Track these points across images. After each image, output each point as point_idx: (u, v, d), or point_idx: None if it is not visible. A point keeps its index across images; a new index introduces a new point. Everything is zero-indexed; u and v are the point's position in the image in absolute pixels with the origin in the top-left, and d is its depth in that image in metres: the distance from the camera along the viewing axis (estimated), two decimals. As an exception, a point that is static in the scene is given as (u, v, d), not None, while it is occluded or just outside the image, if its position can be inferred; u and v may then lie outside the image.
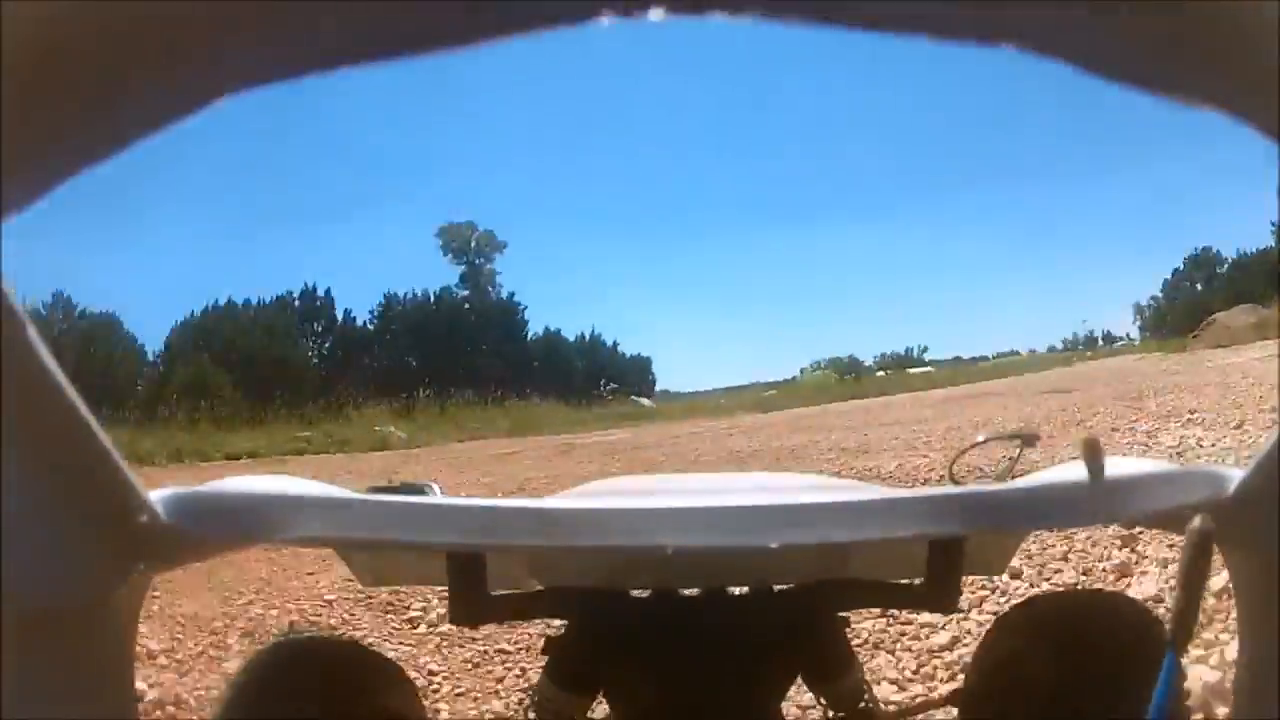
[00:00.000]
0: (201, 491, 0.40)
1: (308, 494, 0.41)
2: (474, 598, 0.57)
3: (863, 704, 0.77)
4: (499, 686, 2.35)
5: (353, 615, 2.86)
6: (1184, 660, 0.41)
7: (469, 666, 2.47)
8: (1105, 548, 2.60)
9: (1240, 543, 0.42)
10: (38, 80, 0.20)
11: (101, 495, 0.34)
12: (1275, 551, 0.39)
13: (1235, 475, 0.40)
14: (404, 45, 0.20)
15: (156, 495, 0.37)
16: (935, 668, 2.16)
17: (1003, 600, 2.33)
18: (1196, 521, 0.37)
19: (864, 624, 2.27)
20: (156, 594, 2.52)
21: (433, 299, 24.31)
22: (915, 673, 2.16)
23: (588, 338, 25.72)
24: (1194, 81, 0.24)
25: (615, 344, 26.03)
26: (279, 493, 0.41)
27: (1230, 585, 0.46)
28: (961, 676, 0.75)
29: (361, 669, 0.66)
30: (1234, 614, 0.50)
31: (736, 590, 0.69)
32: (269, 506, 0.40)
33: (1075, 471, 0.50)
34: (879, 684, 2.01)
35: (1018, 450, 0.87)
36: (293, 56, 0.21)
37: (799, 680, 0.74)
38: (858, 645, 1.94)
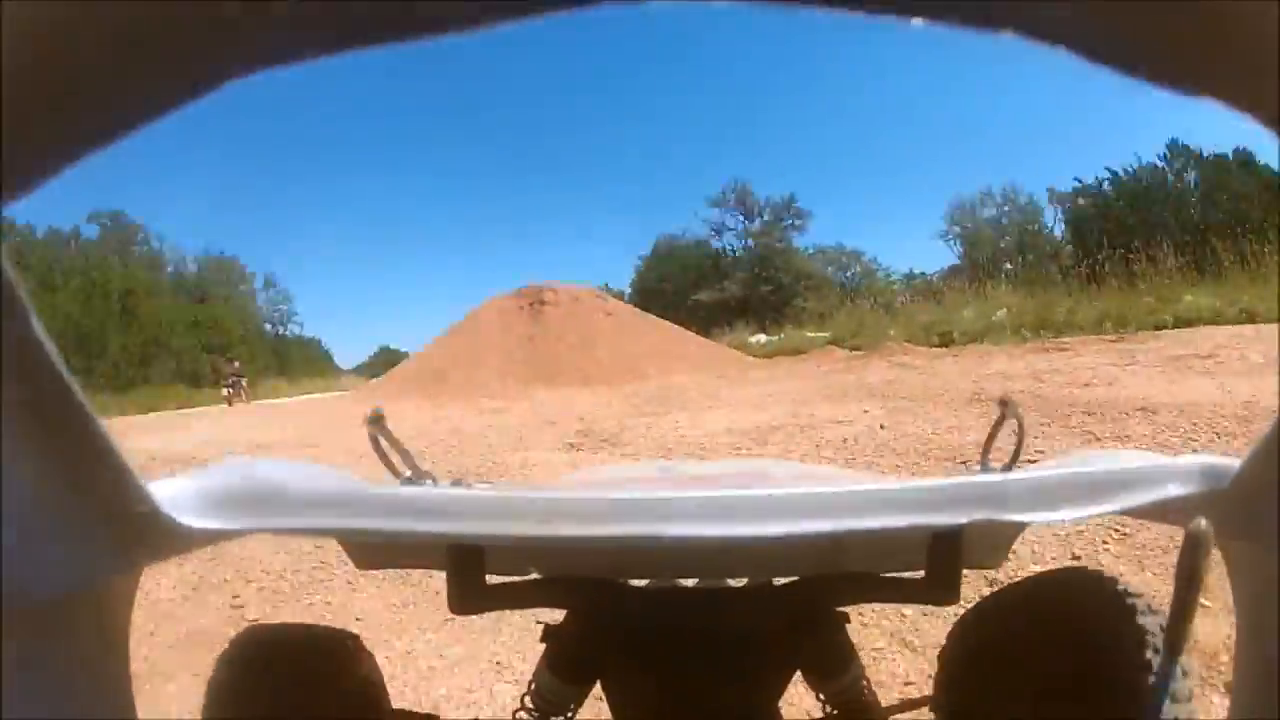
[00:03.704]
0: (200, 482, 0.40)
1: (309, 484, 0.41)
2: (473, 586, 0.56)
3: (861, 700, 0.76)
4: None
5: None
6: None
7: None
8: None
9: (1239, 534, 0.42)
10: (36, 67, 0.21)
11: (101, 485, 0.34)
12: (1275, 542, 0.39)
13: (1234, 465, 0.40)
14: (410, 27, 0.20)
15: (154, 485, 0.37)
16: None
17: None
18: (1193, 524, 0.37)
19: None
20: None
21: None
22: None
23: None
24: (1193, 71, 0.24)
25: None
26: (279, 483, 0.41)
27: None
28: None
29: (327, 650, 0.66)
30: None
31: (735, 582, 0.69)
32: (269, 497, 0.40)
33: (1074, 463, 0.50)
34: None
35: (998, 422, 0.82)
36: (295, 41, 0.21)
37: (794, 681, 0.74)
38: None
